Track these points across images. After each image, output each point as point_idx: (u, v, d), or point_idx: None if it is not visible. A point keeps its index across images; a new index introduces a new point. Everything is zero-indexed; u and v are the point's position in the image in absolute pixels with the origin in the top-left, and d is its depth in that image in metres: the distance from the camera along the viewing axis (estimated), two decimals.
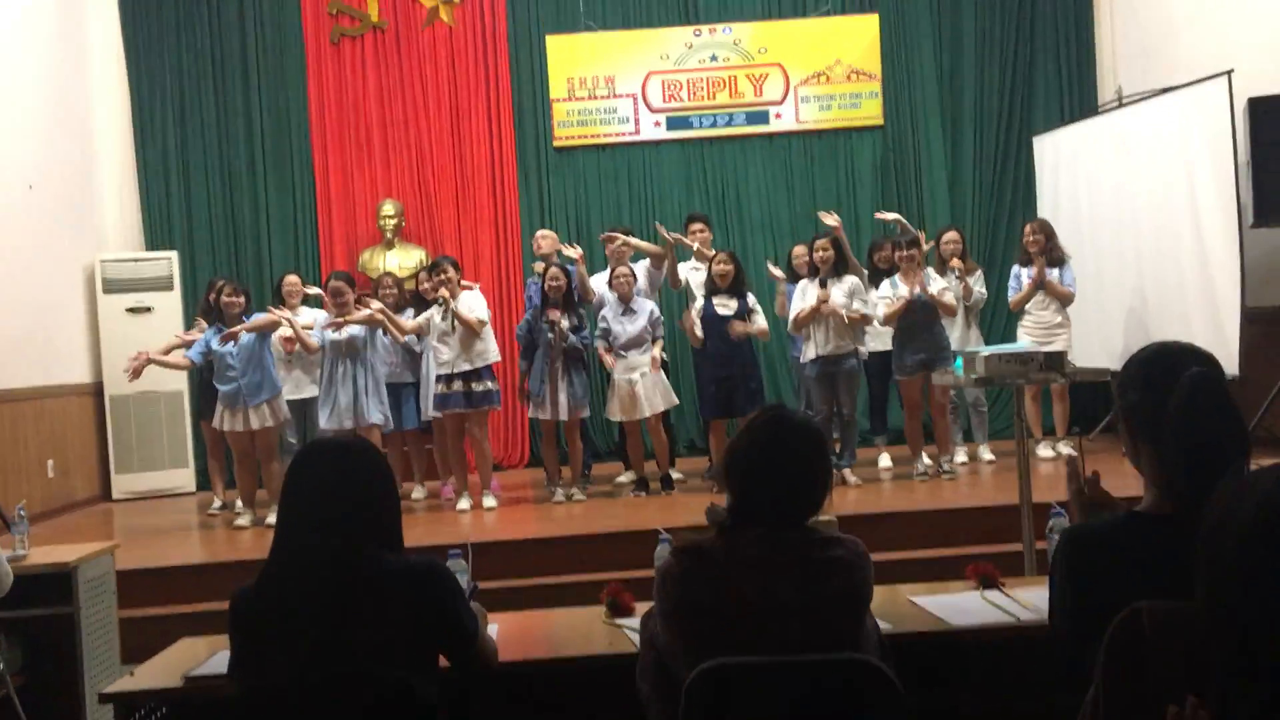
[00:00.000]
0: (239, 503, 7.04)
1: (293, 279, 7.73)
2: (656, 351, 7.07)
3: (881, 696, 2.00)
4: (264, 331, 6.83)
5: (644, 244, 7.58)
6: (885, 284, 7.12)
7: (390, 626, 2.18)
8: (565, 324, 6.89)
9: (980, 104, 9.45)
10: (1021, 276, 7.60)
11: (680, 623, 2.15)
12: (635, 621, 2.79)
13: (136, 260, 8.84)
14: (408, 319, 7.17)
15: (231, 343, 6.71)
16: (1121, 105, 8.31)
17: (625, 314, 7.05)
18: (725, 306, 6.99)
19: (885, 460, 7.59)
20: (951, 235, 7.69)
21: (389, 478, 2.38)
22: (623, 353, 7.02)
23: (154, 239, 9.22)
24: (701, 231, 7.61)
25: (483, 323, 6.89)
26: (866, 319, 7.01)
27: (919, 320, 6.95)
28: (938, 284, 7.05)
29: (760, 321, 7.09)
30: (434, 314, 6.95)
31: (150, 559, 5.81)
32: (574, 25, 9.32)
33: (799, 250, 7.59)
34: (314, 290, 7.59)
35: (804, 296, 6.97)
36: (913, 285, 6.94)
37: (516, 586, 5.23)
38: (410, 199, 9.26)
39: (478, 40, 9.33)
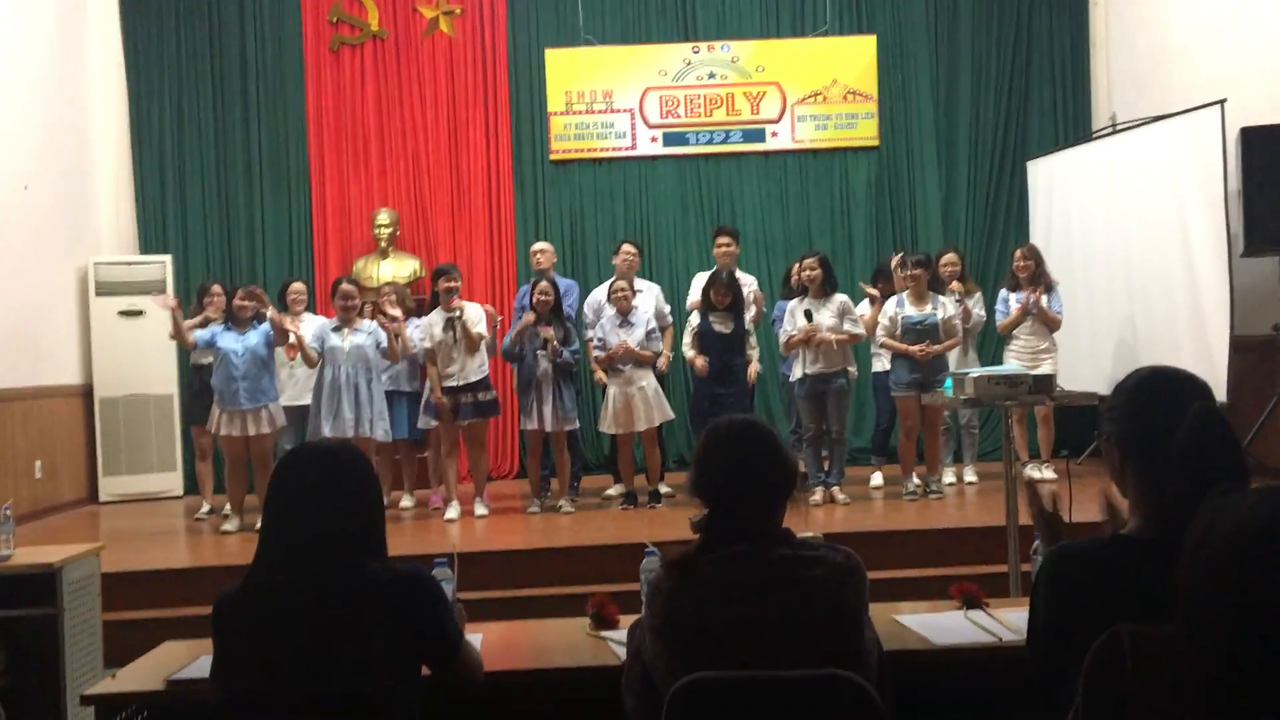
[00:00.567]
0: (226, 507, 7.02)
1: (298, 285, 7.76)
2: (665, 352, 7.24)
3: (864, 713, 2.01)
4: (275, 337, 6.83)
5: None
6: (890, 302, 7.14)
7: (373, 635, 2.18)
8: (556, 339, 6.91)
9: (975, 127, 9.50)
10: (1009, 301, 7.63)
11: (668, 637, 2.15)
12: (620, 634, 2.79)
13: (130, 264, 8.84)
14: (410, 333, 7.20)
15: (237, 342, 6.70)
16: (1115, 132, 8.37)
17: (622, 326, 7.08)
18: (722, 325, 7.02)
19: (877, 479, 7.61)
20: (950, 257, 7.70)
21: (375, 485, 2.37)
22: (620, 366, 7.04)
23: (148, 243, 9.22)
24: (728, 245, 7.57)
25: (483, 336, 6.97)
26: (856, 338, 7.04)
27: (919, 340, 6.97)
28: (946, 310, 7.07)
29: (753, 358, 7.36)
30: (435, 326, 6.96)
31: (136, 562, 5.79)
32: (573, 39, 9.36)
33: (808, 261, 7.60)
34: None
35: (794, 318, 6.99)
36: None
37: (502, 597, 5.23)
38: (406, 208, 9.27)
39: (477, 52, 9.37)
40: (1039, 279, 7.49)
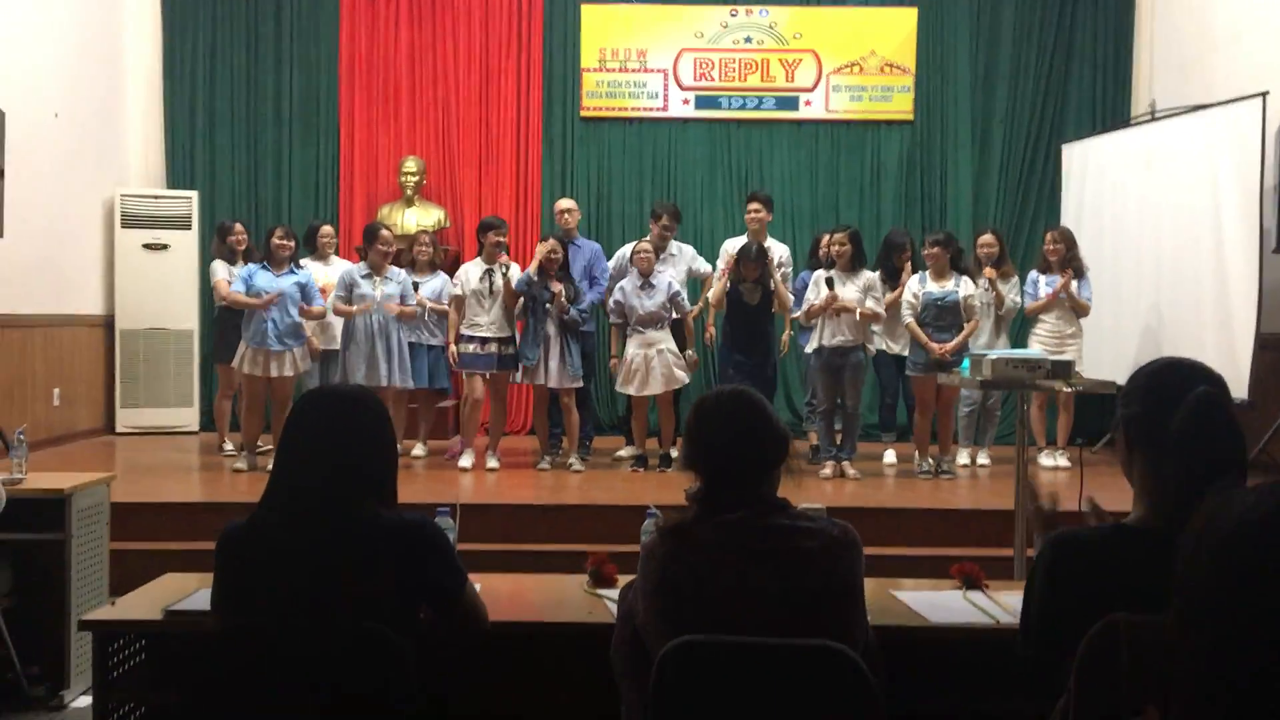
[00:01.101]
0: (227, 445, 7.10)
1: (328, 229, 7.77)
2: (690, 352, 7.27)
3: (853, 686, 2.00)
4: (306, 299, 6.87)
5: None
6: (914, 279, 7.08)
7: (375, 578, 2.19)
8: (564, 295, 6.88)
9: (1012, 107, 9.38)
10: (1039, 283, 7.56)
11: (660, 602, 2.15)
12: (616, 593, 2.80)
13: (156, 197, 8.86)
14: (435, 290, 7.26)
15: (272, 283, 6.71)
16: (1154, 119, 8.24)
17: (644, 288, 7.05)
18: (750, 295, 6.99)
19: (890, 456, 7.59)
20: (987, 239, 7.52)
21: (390, 433, 2.39)
22: (639, 329, 7.02)
23: (175, 178, 9.24)
24: (759, 212, 7.47)
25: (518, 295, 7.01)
26: (878, 316, 6.99)
27: (941, 318, 6.92)
28: (966, 288, 7.02)
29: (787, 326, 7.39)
30: (471, 274, 6.97)
31: (146, 494, 5.84)
32: None
33: (825, 239, 7.55)
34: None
35: (818, 287, 6.95)
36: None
37: (504, 550, 5.25)
38: (433, 157, 9.25)
39: (513, 3, 9.29)
40: (1070, 263, 7.41)
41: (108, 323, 8.63)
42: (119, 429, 8.57)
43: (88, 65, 8.41)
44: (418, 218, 8.76)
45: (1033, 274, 7.67)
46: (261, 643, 2.16)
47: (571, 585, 3.04)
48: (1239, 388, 6.77)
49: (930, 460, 7.09)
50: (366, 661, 2.11)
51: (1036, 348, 7.22)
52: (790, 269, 7.62)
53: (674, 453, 7.37)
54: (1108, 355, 7.79)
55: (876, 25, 9.32)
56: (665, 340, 7.05)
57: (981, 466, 7.52)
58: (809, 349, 7.22)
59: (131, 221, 8.66)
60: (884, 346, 7.47)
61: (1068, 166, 8.91)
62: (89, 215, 8.50)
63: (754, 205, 7.55)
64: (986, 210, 9.31)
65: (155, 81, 9.25)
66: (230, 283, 7.08)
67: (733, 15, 9.32)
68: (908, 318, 7.02)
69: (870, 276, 7.01)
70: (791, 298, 7.31)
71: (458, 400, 8.02)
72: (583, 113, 9.36)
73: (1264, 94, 6.79)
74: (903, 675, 2.38)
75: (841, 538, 2.16)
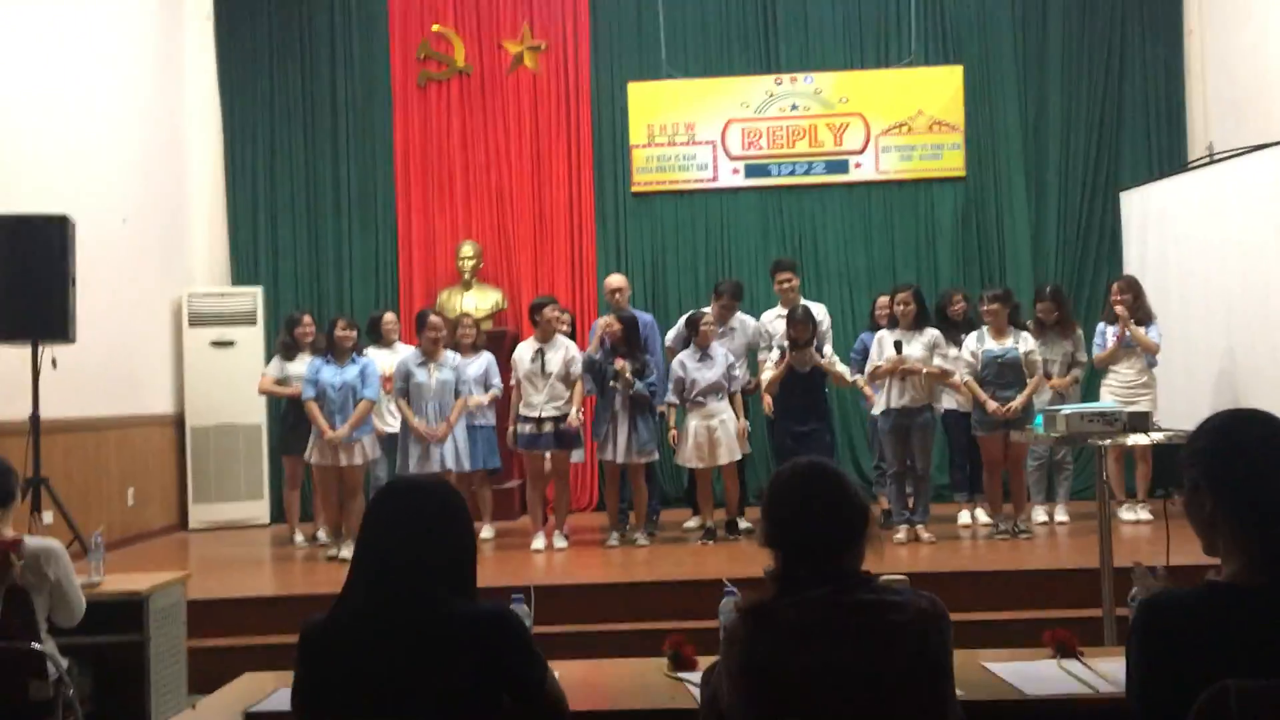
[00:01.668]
0: (320, 534, 7.38)
1: (390, 316, 7.89)
2: (741, 422, 7.18)
3: None
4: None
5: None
6: (971, 337, 7.00)
7: (456, 672, 2.16)
8: (629, 371, 6.89)
9: (1066, 158, 9.31)
10: (1107, 334, 7.44)
11: (746, 685, 2.08)
12: (697, 675, 2.73)
13: (222, 295, 9.06)
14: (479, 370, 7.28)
15: (336, 375, 6.83)
16: (1213, 161, 8.12)
17: (702, 360, 7.05)
18: (800, 364, 6.95)
19: (964, 517, 7.44)
20: (1044, 306, 7.44)
21: (467, 522, 2.37)
22: (701, 399, 7.00)
23: (240, 274, 9.44)
24: (789, 280, 7.53)
25: (578, 376, 7.07)
26: (946, 374, 6.89)
27: (1003, 375, 6.82)
28: (1026, 344, 6.92)
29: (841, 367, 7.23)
30: (524, 356, 7.02)
31: (222, 589, 5.88)
32: (656, 72, 9.40)
33: (883, 300, 7.50)
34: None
35: (882, 348, 6.89)
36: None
37: (579, 631, 5.19)
38: (489, 241, 9.37)
39: (560, 86, 9.46)
40: (1138, 312, 7.28)
41: (178, 420, 8.78)
42: (192, 525, 8.67)
43: (153, 170, 8.67)
44: (476, 301, 8.85)
45: (1100, 325, 7.55)
46: None
47: (651, 669, 2.98)
48: None
49: (1006, 519, 6.93)
50: None
51: (1109, 399, 7.08)
52: (829, 327, 7.57)
53: (741, 522, 7.32)
54: (1182, 404, 7.60)
55: (922, 84, 9.33)
56: (725, 411, 7.04)
57: (1060, 523, 7.34)
58: (876, 410, 7.14)
59: (198, 320, 8.85)
60: (954, 405, 7.34)
61: (1127, 214, 8.80)
62: (157, 316, 8.70)
63: (784, 275, 7.57)
64: (1046, 264, 9.21)
65: (218, 181, 9.51)
66: (276, 379, 7.67)
67: (778, 84, 9.39)
68: (966, 376, 6.92)
69: (934, 334, 6.93)
70: (844, 369, 7.22)
71: (520, 480, 8.03)
72: (634, 188, 9.45)
73: None
74: None
75: (930, 610, 2.09)
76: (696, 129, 9.42)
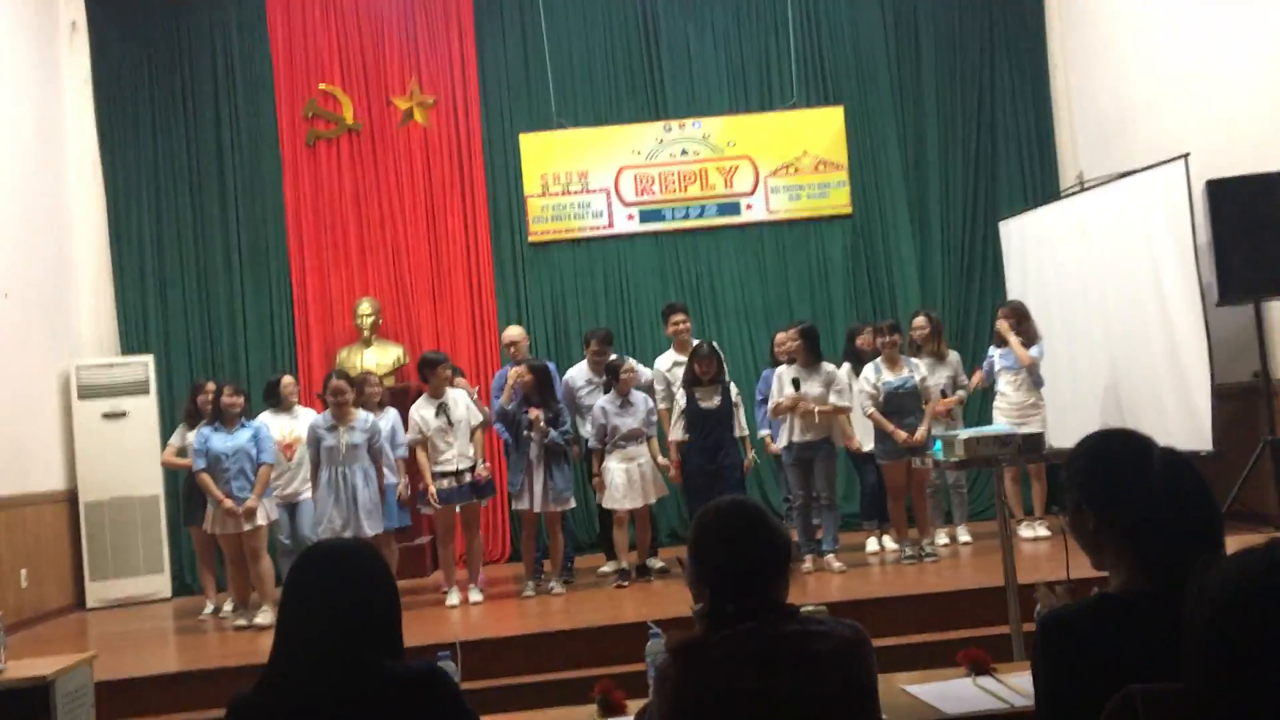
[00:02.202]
0: (226, 605, 7.12)
1: (289, 380, 7.76)
2: (661, 457, 7.31)
3: None
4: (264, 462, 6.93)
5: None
6: (869, 369, 7.18)
7: None
8: (543, 420, 6.95)
9: (946, 190, 9.66)
10: (994, 358, 7.70)
11: None
12: None
13: (112, 365, 8.82)
14: (389, 426, 7.21)
15: (227, 442, 6.74)
16: (1084, 189, 8.52)
17: (623, 407, 7.13)
18: (708, 400, 7.06)
19: (873, 545, 7.60)
20: (919, 321, 7.64)
21: (391, 584, 2.36)
22: (621, 444, 7.08)
23: (130, 342, 9.21)
24: (683, 322, 7.67)
25: (485, 423, 7.12)
26: (840, 410, 7.07)
27: (903, 404, 7.01)
28: (922, 370, 7.14)
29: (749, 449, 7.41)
30: (426, 413, 6.99)
31: (130, 668, 5.69)
32: (547, 123, 9.50)
33: (781, 336, 7.66)
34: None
35: (781, 384, 7.04)
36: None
37: (505, 685, 5.16)
38: (387, 296, 9.32)
39: (452, 140, 9.50)
40: (1021, 335, 7.53)
41: (70, 496, 8.50)
42: (90, 603, 8.37)
43: (35, 241, 8.44)
44: (377, 358, 8.79)
45: (990, 349, 7.82)
46: None
47: (581, 717, 3.00)
48: (1203, 440, 6.90)
49: (911, 544, 7.11)
50: None
51: (1000, 421, 7.33)
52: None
53: (655, 563, 7.37)
54: (1072, 422, 7.91)
55: (806, 126, 9.61)
56: (643, 454, 7.13)
57: (963, 544, 7.54)
58: (778, 445, 7.27)
59: (89, 392, 8.60)
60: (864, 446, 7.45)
61: (1007, 242, 9.16)
62: (45, 390, 8.43)
63: (678, 316, 7.71)
64: (934, 292, 9.51)
65: (103, 249, 9.29)
66: (178, 449, 7.61)
67: (667, 130, 9.58)
68: (869, 408, 7.10)
69: (830, 370, 7.10)
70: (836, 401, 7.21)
71: (430, 536, 7.96)
72: (530, 238, 9.51)
73: (1185, 156, 7.06)
74: None
75: (853, 637, 2.16)
76: (590, 177, 9.54)
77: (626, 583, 7.09)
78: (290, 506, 7.32)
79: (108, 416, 8.59)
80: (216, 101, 9.45)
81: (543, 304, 9.47)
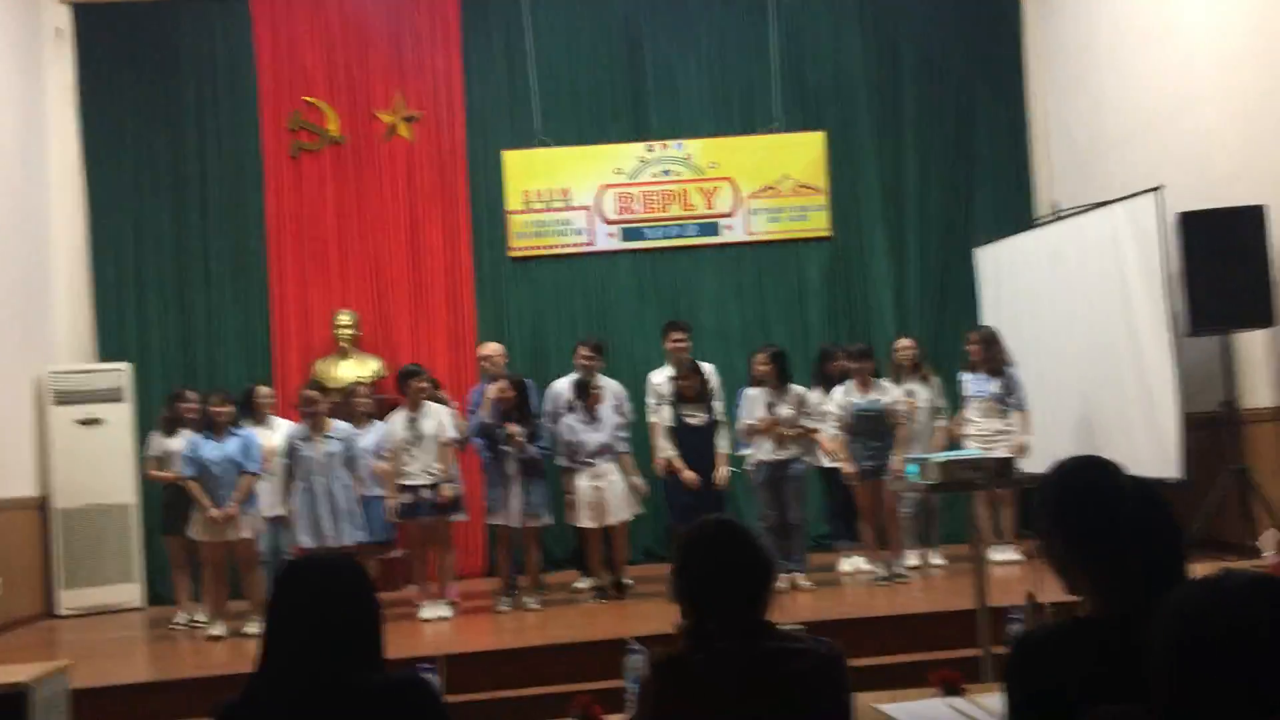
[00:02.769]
0: (199, 615, 7.12)
1: (265, 390, 7.77)
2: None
3: None
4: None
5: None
6: (838, 390, 7.27)
7: None
8: (521, 435, 6.99)
9: (923, 217, 9.77)
10: (966, 382, 7.81)
11: None
12: None
13: (88, 371, 8.79)
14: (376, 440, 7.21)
15: (216, 450, 6.76)
16: (1058, 218, 8.65)
17: (591, 424, 7.16)
18: (693, 417, 7.12)
19: (845, 565, 7.67)
20: (905, 343, 7.83)
21: (373, 596, 2.40)
22: (590, 460, 7.10)
23: (106, 350, 9.17)
24: (682, 340, 7.64)
25: (456, 440, 7.07)
26: (812, 432, 7.14)
27: (872, 426, 7.10)
28: (892, 394, 7.24)
29: (724, 446, 7.31)
30: (397, 426, 7.01)
31: (104, 677, 5.67)
32: (530, 140, 9.56)
33: (760, 357, 7.72)
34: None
35: (754, 404, 7.11)
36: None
37: (483, 700, 5.18)
38: (366, 310, 9.33)
39: (435, 155, 9.53)
40: (990, 361, 7.66)
41: (42, 504, 8.45)
42: (61, 611, 8.31)
43: (12, 244, 8.40)
44: (355, 370, 8.79)
45: (961, 375, 7.93)
46: None
47: None
48: (1172, 467, 7.01)
49: (883, 565, 7.18)
50: None
51: (972, 447, 7.42)
52: (719, 385, 7.76)
53: (625, 580, 7.41)
54: (1043, 447, 8.00)
55: (787, 150, 9.71)
56: (613, 471, 7.16)
57: (934, 566, 7.62)
58: (750, 464, 7.33)
59: (63, 398, 8.55)
60: (826, 463, 7.54)
61: (982, 270, 9.27)
62: (18, 395, 8.38)
63: (677, 334, 7.68)
64: (909, 317, 9.61)
65: (82, 255, 9.24)
66: (158, 459, 7.56)
67: (649, 150, 9.65)
68: (834, 430, 7.19)
69: (800, 392, 7.18)
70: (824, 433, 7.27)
71: (405, 550, 7.96)
72: (511, 253, 9.55)
73: (1158, 188, 7.19)
74: None
75: (830, 655, 2.22)
76: (572, 194, 9.60)
77: (603, 599, 7.13)
78: (274, 520, 7.30)
79: (82, 423, 8.54)
80: (200, 111, 9.44)
81: (522, 319, 9.50)
